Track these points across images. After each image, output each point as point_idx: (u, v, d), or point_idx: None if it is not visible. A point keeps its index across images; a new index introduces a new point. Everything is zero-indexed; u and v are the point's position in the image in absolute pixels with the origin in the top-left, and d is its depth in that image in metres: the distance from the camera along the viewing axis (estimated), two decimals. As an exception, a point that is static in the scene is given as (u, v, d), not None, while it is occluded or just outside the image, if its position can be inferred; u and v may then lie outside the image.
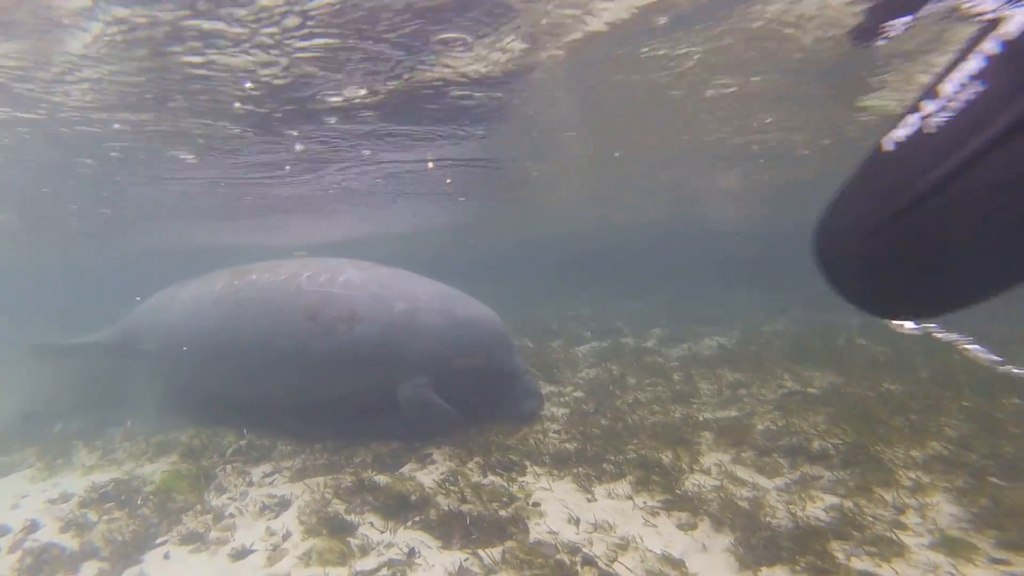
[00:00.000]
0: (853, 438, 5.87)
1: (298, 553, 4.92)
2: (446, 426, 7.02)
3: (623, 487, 5.50)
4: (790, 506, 4.85)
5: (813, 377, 8.27)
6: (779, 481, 5.42)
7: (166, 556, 5.10)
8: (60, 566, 5.06)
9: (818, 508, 4.83)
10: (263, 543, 5.15)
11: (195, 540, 5.29)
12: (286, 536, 5.22)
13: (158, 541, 5.32)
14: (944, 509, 4.70)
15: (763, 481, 5.43)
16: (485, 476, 5.97)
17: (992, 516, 4.44)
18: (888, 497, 4.90)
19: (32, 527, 5.84)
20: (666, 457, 5.93)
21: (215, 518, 5.64)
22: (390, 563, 4.62)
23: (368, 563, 4.69)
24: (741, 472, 5.62)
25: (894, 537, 4.33)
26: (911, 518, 4.64)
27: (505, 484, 5.73)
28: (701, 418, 7.00)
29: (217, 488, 6.35)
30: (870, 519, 4.59)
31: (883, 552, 4.15)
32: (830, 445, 5.80)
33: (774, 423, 6.58)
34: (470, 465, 6.23)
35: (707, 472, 5.65)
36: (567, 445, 6.45)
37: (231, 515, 5.72)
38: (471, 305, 7.64)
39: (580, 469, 5.89)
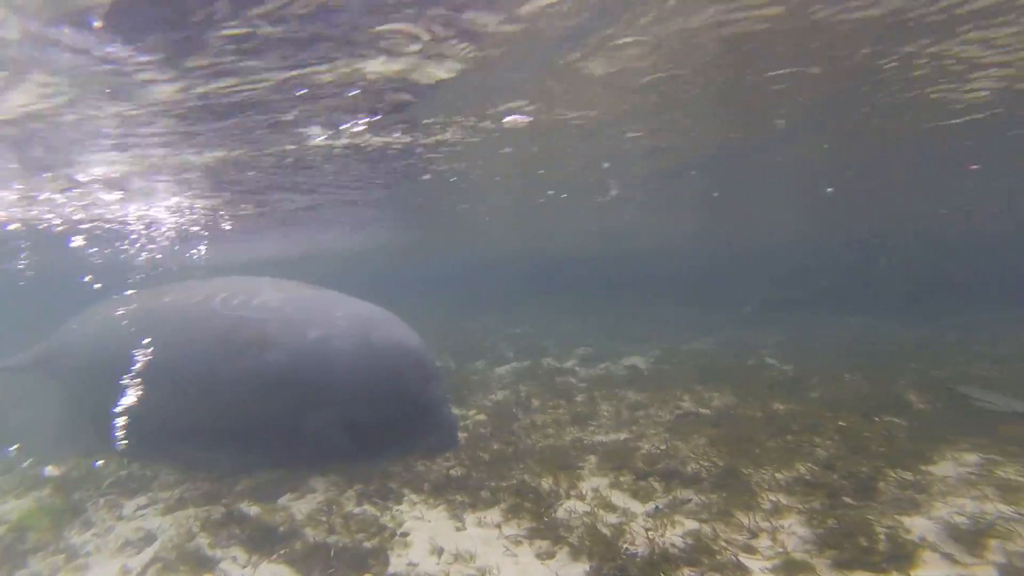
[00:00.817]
0: (727, 461, 5.97)
1: (145, 593, 4.70)
2: (338, 457, 6.76)
3: (494, 515, 5.45)
4: (650, 532, 4.87)
5: (712, 397, 8.43)
6: (649, 506, 5.45)
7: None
8: None
9: (677, 534, 4.86)
10: (113, 582, 4.92)
11: (42, 583, 5.01)
12: (139, 574, 4.99)
13: (0, 584, 5.02)
14: (796, 531, 4.79)
15: (635, 506, 5.46)
16: (360, 505, 5.85)
17: (834, 536, 4.54)
18: (746, 520, 4.97)
19: None
20: (547, 483, 5.92)
21: (67, 558, 5.36)
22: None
23: (213, 602, 4.51)
24: (616, 497, 5.63)
25: (742, 562, 4.39)
26: (763, 541, 4.71)
27: (377, 514, 5.62)
28: (590, 441, 7.04)
29: (83, 524, 6.05)
30: (723, 544, 4.65)
31: (725, 578, 4.20)
32: (703, 468, 5.88)
33: (659, 446, 6.65)
34: (348, 493, 6.11)
35: (582, 497, 5.64)
36: (453, 471, 6.38)
37: (87, 553, 5.45)
38: (391, 330, 7.20)
39: (458, 496, 5.82)
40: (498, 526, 5.27)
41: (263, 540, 5.30)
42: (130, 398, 7.81)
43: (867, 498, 5.10)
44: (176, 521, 5.82)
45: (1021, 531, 4.25)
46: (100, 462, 7.42)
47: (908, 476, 5.33)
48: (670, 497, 5.54)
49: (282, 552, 5.13)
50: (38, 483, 7.09)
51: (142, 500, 6.49)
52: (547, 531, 5.05)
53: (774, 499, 5.27)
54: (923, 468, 5.51)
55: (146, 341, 7.54)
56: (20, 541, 5.62)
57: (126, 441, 7.90)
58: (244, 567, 5.00)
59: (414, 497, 5.93)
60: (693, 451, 6.35)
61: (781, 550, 4.55)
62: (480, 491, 5.87)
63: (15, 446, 8.33)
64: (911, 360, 9.95)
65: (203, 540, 5.41)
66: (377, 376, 6.75)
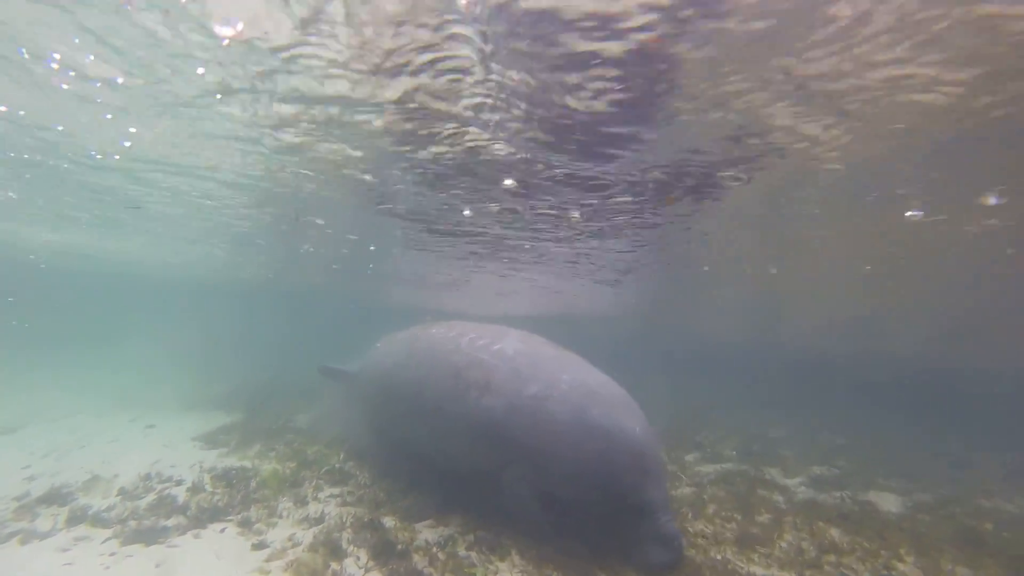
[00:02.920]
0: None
1: (289, 559, 5.84)
2: (527, 524, 6.39)
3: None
4: None
5: (954, 572, 6.02)
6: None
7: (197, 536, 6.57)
8: (163, 506, 6.96)
9: None
10: (280, 543, 6.23)
11: (244, 525, 6.66)
12: (296, 544, 6.22)
13: (224, 518, 6.85)
14: None
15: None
16: (469, 550, 6.10)
17: None
18: None
19: (171, 478, 8.09)
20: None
21: (268, 514, 6.99)
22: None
23: (317, 584, 5.33)
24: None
25: None
26: None
27: (476, 562, 5.79)
28: (739, 568, 5.83)
29: (293, 494, 7.76)
30: None
31: None
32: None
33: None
34: (469, 537, 6.40)
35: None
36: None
37: (280, 515, 7.00)
38: (614, 412, 6.35)
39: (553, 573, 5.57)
40: (570, 617, 4.89)
41: (383, 550, 6.01)
42: (384, 412, 9.34)
43: None
44: (341, 514, 7.02)
45: None
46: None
47: None
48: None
49: (390, 567, 5.73)
50: (293, 456, 9.33)
51: (335, 490, 8.00)
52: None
53: None
54: None
55: (404, 364, 8.53)
56: (255, 491, 7.57)
57: (372, 443, 9.59)
58: (361, 569, 5.75)
59: (516, 559, 5.91)
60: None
61: None
62: (577, 576, 5.51)
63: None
64: None
65: (346, 535, 6.41)
66: (582, 452, 6.06)
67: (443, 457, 7.55)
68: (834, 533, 6.94)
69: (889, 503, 8.73)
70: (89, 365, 24.45)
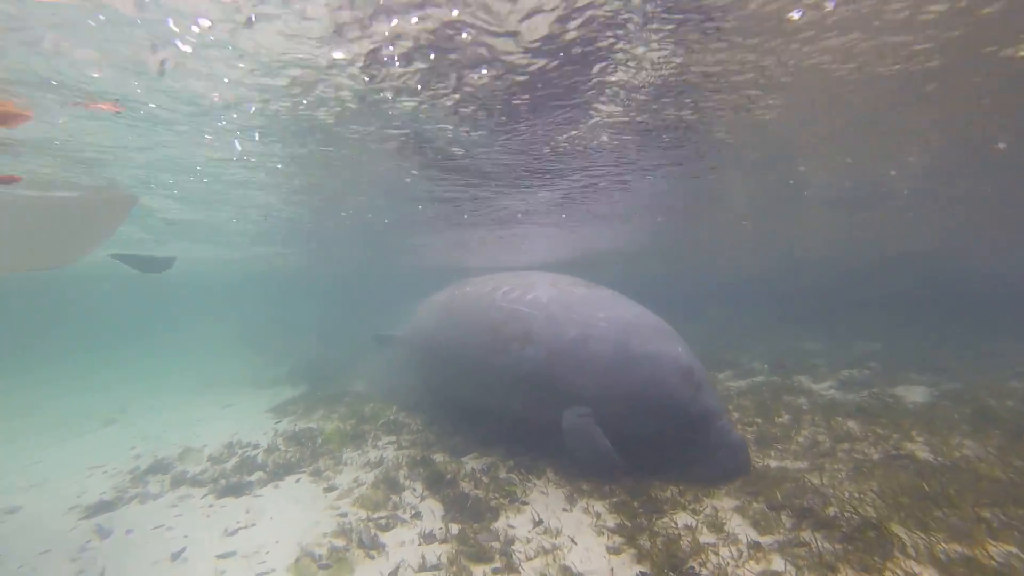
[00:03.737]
0: (882, 513, 4.83)
1: (356, 496, 6.77)
2: (600, 462, 6.45)
3: (600, 506, 5.76)
4: (731, 562, 4.53)
5: (962, 446, 6.37)
6: (768, 539, 4.92)
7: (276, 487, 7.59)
8: (246, 466, 8.04)
9: (753, 570, 4.39)
10: (346, 485, 7.17)
11: (315, 475, 7.65)
12: (360, 484, 7.15)
13: (297, 471, 7.86)
14: None
15: (745, 533, 5.01)
16: (508, 472, 6.88)
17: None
18: (858, 583, 4.11)
19: (250, 444, 9.21)
20: (669, 492, 5.86)
21: (334, 464, 7.97)
22: (398, 519, 6.06)
23: (384, 513, 6.21)
24: (734, 521, 5.23)
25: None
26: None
27: (516, 481, 6.57)
28: (756, 463, 6.39)
29: (355, 445, 8.73)
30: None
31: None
32: (846, 515, 4.89)
33: (823, 481, 5.68)
34: (510, 462, 7.19)
35: (696, 513, 5.42)
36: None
37: (345, 463, 7.97)
38: (654, 338, 6.69)
39: (583, 484, 6.28)
40: (598, 515, 5.60)
41: (435, 481, 6.86)
42: (432, 374, 9.99)
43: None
44: (397, 456, 7.93)
45: None
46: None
47: None
48: (791, 535, 4.87)
49: (442, 493, 6.57)
50: (353, 415, 10.35)
51: (391, 439, 8.94)
52: (634, 531, 5.17)
53: (908, 568, 4.15)
54: None
55: (444, 326, 8.96)
56: (322, 446, 8.59)
57: (422, 400, 10.38)
58: (417, 498, 6.61)
59: (550, 475, 6.65)
60: (858, 493, 5.27)
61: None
62: (603, 485, 6.21)
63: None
64: None
65: (402, 472, 7.30)
66: (634, 380, 6.37)
67: (496, 409, 7.90)
68: (852, 425, 7.38)
69: (916, 395, 9.02)
70: (167, 354, 26.68)
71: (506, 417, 7.89)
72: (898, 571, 4.14)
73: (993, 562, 4.07)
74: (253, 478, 7.66)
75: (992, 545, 4.30)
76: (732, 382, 10.90)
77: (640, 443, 6.40)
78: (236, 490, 7.28)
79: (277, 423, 10.78)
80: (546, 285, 7.81)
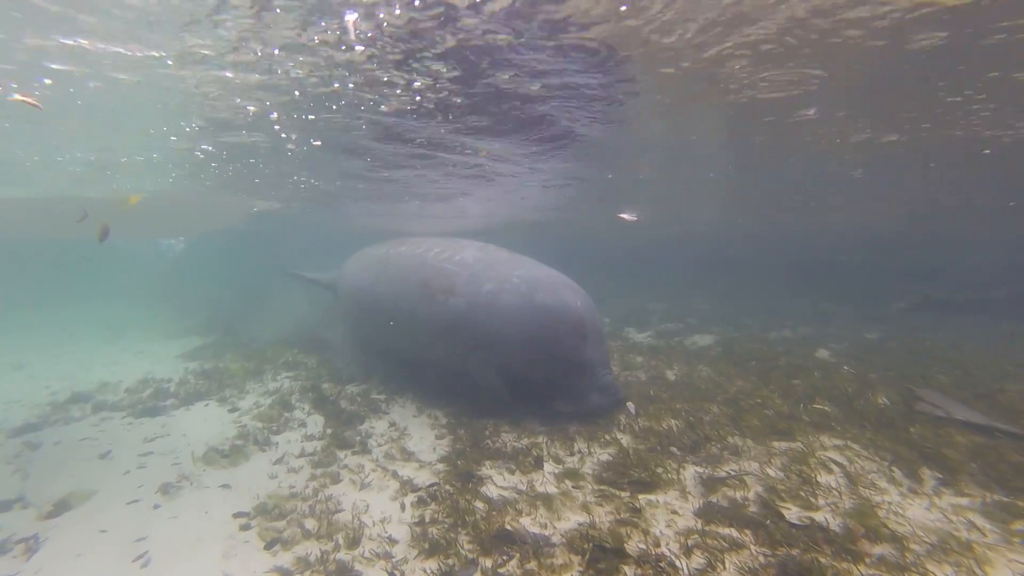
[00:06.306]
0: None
1: (255, 414, 8.53)
2: (495, 397, 7.79)
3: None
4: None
5: (701, 371, 9.10)
6: (544, 428, 7.21)
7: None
8: (160, 395, 9.57)
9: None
10: (247, 407, 8.91)
11: (221, 401, 9.31)
12: (260, 407, 8.90)
13: (206, 398, 9.48)
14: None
15: (534, 424, 7.29)
16: (373, 394, 8.90)
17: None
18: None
19: (163, 379, 10.69)
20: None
21: (239, 392, 9.65)
22: (287, 427, 7.92)
23: (277, 425, 8.04)
24: (523, 415, 7.51)
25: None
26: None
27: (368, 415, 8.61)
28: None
29: (258, 378, 10.40)
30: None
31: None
32: (597, 411, 7.31)
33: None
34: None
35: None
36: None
37: (248, 391, 9.67)
38: (559, 293, 7.55)
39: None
40: (436, 418, 7.74)
41: (321, 402, 8.74)
42: (364, 323, 10.67)
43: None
44: (292, 386, 9.77)
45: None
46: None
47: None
48: (553, 425, 7.20)
49: (326, 409, 8.46)
50: (259, 356, 11.94)
51: (289, 374, 10.71)
52: (456, 426, 7.34)
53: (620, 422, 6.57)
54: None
55: (379, 280, 9.61)
56: (228, 379, 10.23)
57: (358, 352, 11.30)
58: (305, 414, 8.46)
59: (411, 394, 8.75)
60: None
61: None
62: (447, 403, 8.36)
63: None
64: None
65: (294, 397, 9.15)
66: (533, 329, 7.27)
67: (421, 354, 8.87)
68: (638, 359, 9.96)
69: (703, 341, 11.84)
70: (77, 299, 26.41)
71: (429, 364, 8.95)
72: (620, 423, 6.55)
73: (666, 427, 6.57)
74: (167, 403, 9.24)
75: (672, 420, 6.82)
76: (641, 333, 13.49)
77: (532, 381, 7.53)
78: (152, 412, 8.85)
79: (187, 365, 12.21)
80: (474, 249, 8.77)
